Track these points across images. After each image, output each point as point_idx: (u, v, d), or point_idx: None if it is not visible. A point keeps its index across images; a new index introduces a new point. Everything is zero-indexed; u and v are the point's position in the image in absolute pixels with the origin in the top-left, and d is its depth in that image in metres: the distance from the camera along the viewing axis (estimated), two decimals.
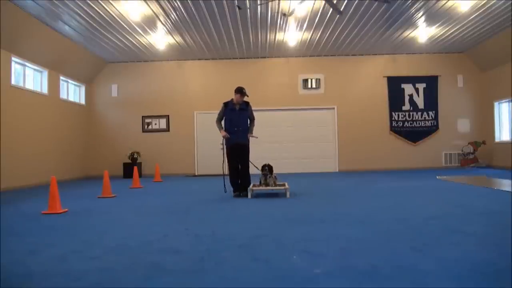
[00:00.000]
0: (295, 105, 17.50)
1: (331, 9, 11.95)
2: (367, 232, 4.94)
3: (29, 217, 6.85)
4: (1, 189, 11.65)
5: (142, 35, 14.05)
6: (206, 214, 6.70)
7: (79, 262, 3.93)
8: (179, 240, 4.79)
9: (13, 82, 12.56)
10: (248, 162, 8.98)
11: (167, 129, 17.59)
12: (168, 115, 17.59)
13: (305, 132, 17.52)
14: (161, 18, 12.48)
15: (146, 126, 17.66)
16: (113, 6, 11.41)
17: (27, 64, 13.42)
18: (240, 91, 9.08)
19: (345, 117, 17.50)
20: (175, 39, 14.68)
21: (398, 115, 17.53)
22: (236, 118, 8.98)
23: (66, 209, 7.34)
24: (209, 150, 17.25)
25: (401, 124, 17.52)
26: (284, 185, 9.13)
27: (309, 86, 17.47)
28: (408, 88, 17.59)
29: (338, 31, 14.27)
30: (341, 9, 11.80)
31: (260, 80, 17.46)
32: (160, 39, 14.53)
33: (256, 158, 17.65)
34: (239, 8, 11.65)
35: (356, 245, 4.29)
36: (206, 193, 9.86)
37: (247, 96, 9.20)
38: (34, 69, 14.05)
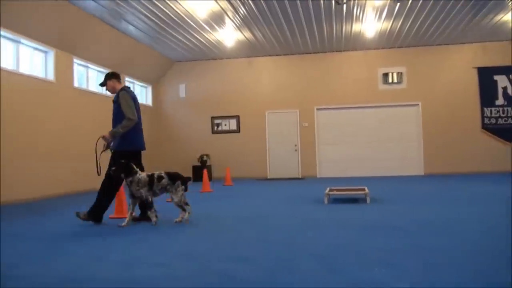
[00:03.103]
0: (374, 102, 17.07)
1: None
2: (454, 243, 4.66)
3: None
4: (68, 192, 12.19)
5: (209, 32, 14.25)
6: (279, 220, 6.64)
7: (144, 269, 3.96)
8: (251, 247, 4.75)
9: (75, 84, 13.14)
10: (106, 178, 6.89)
11: (238, 130, 17.72)
12: (238, 116, 17.73)
13: (386, 131, 17.04)
14: (229, 14, 12.59)
15: (215, 127, 17.89)
16: (178, 3, 11.64)
17: (90, 65, 14.00)
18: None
19: (431, 114, 16.84)
20: (244, 35, 14.77)
21: (491, 110, 16.62)
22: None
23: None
24: (281, 152, 17.22)
25: (495, 121, 16.60)
26: (363, 189, 8.89)
27: (390, 80, 16.97)
28: (501, 80, 16.63)
29: (421, 18, 13.75)
30: None
31: (336, 76, 17.19)
32: (229, 35, 14.67)
33: (331, 160, 17.59)
34: (338, 3, 11.55)
35: (441, 258, 4.05)
36: (279, 198, 9.80)
37: (102, 83, 7.27)
38: (98, 71, 14.64)
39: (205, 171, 12.69)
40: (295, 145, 17.31)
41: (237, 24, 13.60)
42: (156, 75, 17.90)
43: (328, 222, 6.21)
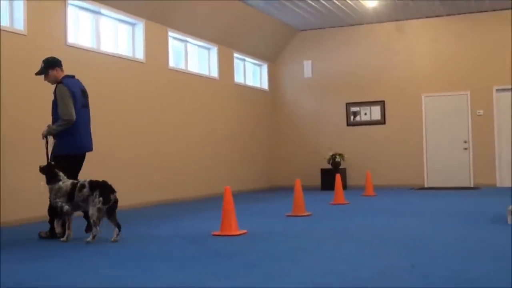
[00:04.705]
0: None
1: None
2: None
3: (196, 239, 7.36)
4: (161, 201, 12.74)
5: None
6: (443, 245, 6.51)
7: None
8: (401, 280, 4.71)
9: (171, 64, 13.66)
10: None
11: (382, 121, 17.44)
12: (383, 101, 17.44)
13: None
14: None
15: (352, 117, 17.74)
16: None
17: (188, 39, 14.47)
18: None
19: None
20: None
21: None
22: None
23: (244, 231, 7.66)
24: (445, 151, 16.71)
25: None
26: None
27: None
28: None
29: None
30: None
31: None
32: None
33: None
34: None
35: None
36: (442, 215, 9.62)
37: (39, 72, 7.80)
38: (199, 46, 15.08)
39: (337, 177, 12.62)
40: (465, 142, 16.70)
41: None
42: (273, 49, 18.13)
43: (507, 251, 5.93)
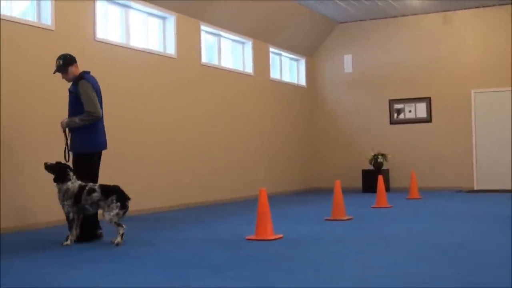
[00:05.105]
0: None
1: None
2: None
3: (229, 243, 7.49)
4: (192, 204, 12.88)
5: None
6: (491, 253, 6.49)
7: None
8: None
9: (204, 59, 13.78)
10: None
11: (428, 119, 17.35)
12: (429, 98, 17.35)
13: None
14: None
15: (395, 115, 17.69)
16: None
17: (222, 33, 14.61)
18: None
19: None
20: None
21: None
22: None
23: (280, 235, 7.73)
24: (497, 151, 16.54)
25: None
26: None
27: None
28: None
29: None
30: None
31: None
32: None
33: None
34: None
35: None
36: (493, 219, 9.59)
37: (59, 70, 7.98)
38: (233, 40, 15.21)
39: (380, 178, 12.61)
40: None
41: None
42: (311, 43, 18.17)
43: None
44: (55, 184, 7.52)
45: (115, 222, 7.28)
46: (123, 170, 10.84)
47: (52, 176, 7.54)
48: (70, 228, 7.47)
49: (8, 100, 8.95)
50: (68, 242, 7.40)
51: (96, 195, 7.36)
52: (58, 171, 7.51)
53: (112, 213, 7.26)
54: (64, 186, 7.43)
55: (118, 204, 7.29)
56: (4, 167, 8.79)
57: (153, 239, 7.93)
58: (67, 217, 7.45)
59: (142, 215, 10.94)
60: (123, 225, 7.34)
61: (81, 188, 7.42)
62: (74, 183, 7.47)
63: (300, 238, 7.85)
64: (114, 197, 7.31)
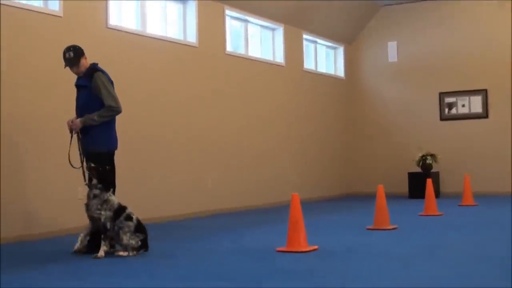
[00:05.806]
0: None
1: None
2: None
3: (258, 255, 7.52)
4: (217, 211, 12.95)
5: None
6: None
7: None
8: None
9: (228, 48, 13.82)
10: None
11: (485, 115, 17.26)
12: (486, 90, 17.25)
13: None
14: None
15: (446, 110, 17.63)
16: None
17: (249, 19, 14.63)
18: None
19: None
20: None
21: None
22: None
23: (315, 247, 7.70)
24: None
25: None
26: None
27: None
28: None
29: None
30: None
31: None
32: None
33: None
34: None
35: None
36: None
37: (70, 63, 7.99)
38: (262, 26, 15.24)
39: (429, 182, 12.56)
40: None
41: None
42: (350, 28, 18.15)
43: None
44: (86, 187, 7.53)
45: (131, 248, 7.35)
46: (137, 172, 10.91)
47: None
48: (105, 239, 7.36)
49: (11, 95, 9.01)
50: (102, 253, 7.32)
51: (130, 224, 7.37)
52: (102, 176, 7.44)
53: (132, 242, 7.32)
54: (104, 195, 7.38)
55: (140, 243, 7.38)
56: (4, 167, 8.86)
57: (173, 250, 7.96)
58: (104, 227, 7.30)
59: (161, 223, 10.98)
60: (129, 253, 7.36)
61: (121, 208, 7.42)
62: (112, 196, 7.47)
63: (337, 250, 7.82)
64: (141, 237, 7.39)
